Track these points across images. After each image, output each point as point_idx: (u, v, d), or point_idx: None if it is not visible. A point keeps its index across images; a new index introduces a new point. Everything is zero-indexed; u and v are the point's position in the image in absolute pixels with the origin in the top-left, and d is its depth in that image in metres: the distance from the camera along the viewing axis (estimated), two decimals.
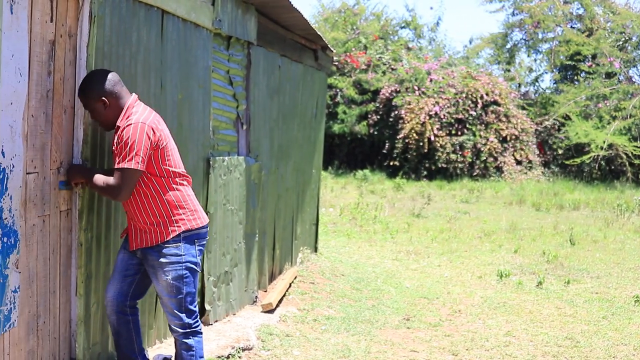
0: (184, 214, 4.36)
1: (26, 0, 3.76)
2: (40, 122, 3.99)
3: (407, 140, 23.08)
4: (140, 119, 4.15)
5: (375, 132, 24.61)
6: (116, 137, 4.18)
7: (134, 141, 4.08)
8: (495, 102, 23.33)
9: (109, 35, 4.49)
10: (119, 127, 4.19)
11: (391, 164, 23.76)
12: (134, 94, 4.39)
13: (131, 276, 4.46)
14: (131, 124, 4.11)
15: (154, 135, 4.17)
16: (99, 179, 4.17)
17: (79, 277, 4.40)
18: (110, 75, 4.23)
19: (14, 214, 3.79)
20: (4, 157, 3.65)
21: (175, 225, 4.33)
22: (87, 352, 4.51)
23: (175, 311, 4.39)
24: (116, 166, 4.12)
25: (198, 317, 4.53)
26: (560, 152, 24.44)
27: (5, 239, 3.72)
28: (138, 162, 4.10)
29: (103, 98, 4.17)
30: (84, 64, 4.31)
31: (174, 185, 4.34)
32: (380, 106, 24.54)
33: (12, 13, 3.63)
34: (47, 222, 4.15)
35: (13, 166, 3.74)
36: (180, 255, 4.33)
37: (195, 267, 4.43)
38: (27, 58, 3.82)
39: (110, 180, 4.13)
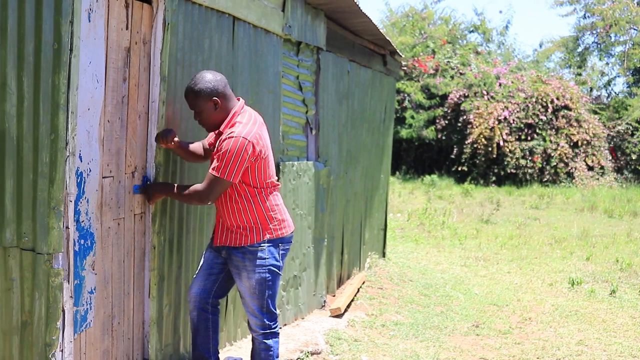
0: (271, 223, 4.43)
1: (103, 8, 3.85)
2: (115, 127, 4.08)
3: (475, 146, 22.84)
4: (242, 133, 4.18)
5: (443, 137, 24.42)
6: (217, 142, 4.27)
7: (232, 154, 4.13)
8: (566, 107, 22.91)
9: (182, 42, 4.57)
10: (221, 133, 4.29)
11: (459, 169, 23.54)
12: (241, 99, 4.46)
13: (215, 275, 4.55)
14: (233, 136, 4.16)
15: (254, 150, 4.21)
16: (182, 188, 4.31)
17: (152, 280, 4.48)
18: (220, 77, 4.32)
19: (90, 217, 3.88)
20: (81, 161, 3.75)
21: (262, 233, 4.40)
22: (159, 353, 4.59)
23: (257, 312, 4.46)
24: (210, 171, 4.21)
25: (277, 318, 4.58)
26: (633, 157, 23.82)
27: (82, 241, 3.81)
28: (231, 175, 4.17)
29: (215, 98, 4.25)
30: (158, 70, 4.39)
31: (265, 196, 4.41)
32: (449, 111, 24.35)
33: (89, 21, 3.73)
34: (122, 225, 4.24)
35: (90, 170, 3.84)
36: (265, 258, 4.39)
37: (278, 271, 4.48)
38: (104, 65, 3.91)
39: (198, 186, 4.26)
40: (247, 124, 4.25)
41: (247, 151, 4.17)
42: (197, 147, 4.62)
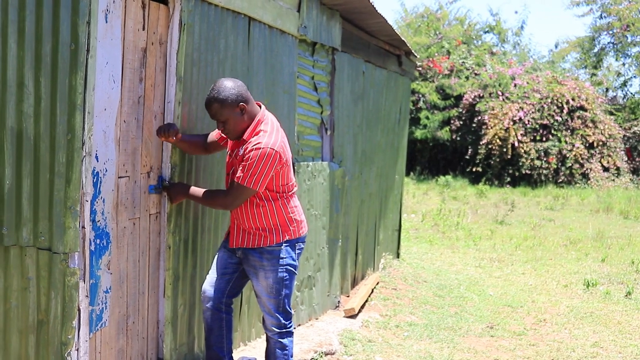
0: (291, 225, 4.45)
1: (120, 9, 3.87)
2: (131, 127, 4.10)
3: (490, 146, 22.77)
4: (270, 143, 4.17)
5: (458, 138, 24.37)
6: (242, 150, 4.25)
7: (259, 164, 4.14)
8: (582, 108, 22.80)
9: (198, 43, 4.58)
10: (245, 141, 4.26)
11: (474, 170, 23.48)
12: (262, 105, 4.45)
13: (229, 274, 4.55)
14: (261, 147, 4.14)
15: (280, 160, 4.23)
16: (205, 192, 4.36)
17: (167, 279, 4.49)
18: (240, 82, 4.31)
19: (106, 217, 3.90)
20: (97, 161, 3.77)
21: (282, 234, 4.41)
22: (174, 352, 4.60)
23: (273, 311, 4.46)
24: (236, 180, 4.21)
25: (292, 318, 4.59)
26: None
27: (98, 241, 3.83)
28: (257, 184, 4.19)
29: (242, 103, 4.23)
30: (174, 70, 4.40)
31: (286, 200, 4.43)
32: (463, 111, 24.29)
33: (106, 22, 3.74)
34: (137, 225, 4.26)
35: (106, 170, 3.86)
36: (283, 258, 4.40)
37: (294, 270, 4.50)
38: (120, 65, 3.93)
39: (223, 192, 4.35)
40: (272, 133, 4.24)
41: (275, 161, 4.18)
42: (199, 140, 4.56)
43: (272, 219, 4.38)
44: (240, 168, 4.19)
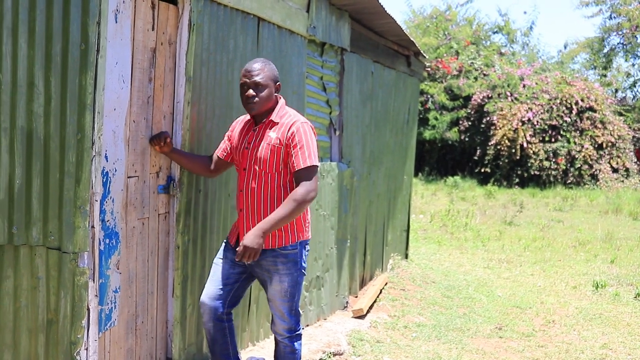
0: (304, 225, 4.32)
1: (129, 9, 3.88)
2: (141, 127, 4.11)
3: (498, 147, 22.73)
4: (302, 119, 4.19)
5: (467, 139, 24.33)
6: (276, 133, 4.13)
7: (308, 139, 4.11)
8: (591, 108, 22.73)
9: (207, 43, 4.58)
10: (274, 123, 4.17)
11: (482, 170, 23.44)
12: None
13: (230, 285, 4.34)
14: (303, 122, 4.16)
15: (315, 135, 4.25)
16: (283, 208, 4.02)
17: (175, 279, 4.50)
18: None
19: (115, 217, 3.91)
20: (107, 161, 3.78)
21: (296, 234, 4.26)
22: (182, 352, 4.61)
23: (286, 315, 4.34)
24: (303, 165, 4.06)
25: (301, 320, 4.54)
26: None
27: (107, 241, 3.84)
28: (317, 159, 4.15)
29: (279, 83, 4.26)
30: (183, 71, 4.41)
31: None
32: (472, 112, 24.25)
33: (116, 22, 3.75)
34: (146, 225, 4.26)
35: (115, 170, 3.87)
36: (297, 261, 4.26)
37: (305, 272, 4.42)
38: (130, 65, 3.94)
39: (297, 193, 4.02)
40: (297, 113, 4.28)
41: (314, 135, 4.20)
42: (202, 159, 4.47)
43: None
44: (297, 151, 4.07)
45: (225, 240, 4.45)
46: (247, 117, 4.41)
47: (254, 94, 4.12)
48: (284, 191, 4.16)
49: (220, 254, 4.42)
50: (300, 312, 4.47)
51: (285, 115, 4.21)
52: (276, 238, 4.20)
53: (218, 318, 4.35)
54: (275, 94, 4.24)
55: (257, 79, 4.11)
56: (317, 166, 4.11)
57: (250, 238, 3.98)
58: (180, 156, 4.37)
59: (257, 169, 4.16)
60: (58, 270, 3.56)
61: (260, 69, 4.13)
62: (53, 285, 3.58)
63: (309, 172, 4.08)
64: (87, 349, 3.66)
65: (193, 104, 4.48)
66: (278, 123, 4.17)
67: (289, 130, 4.11)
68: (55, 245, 3.54)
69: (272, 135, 4.15)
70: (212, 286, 4.35)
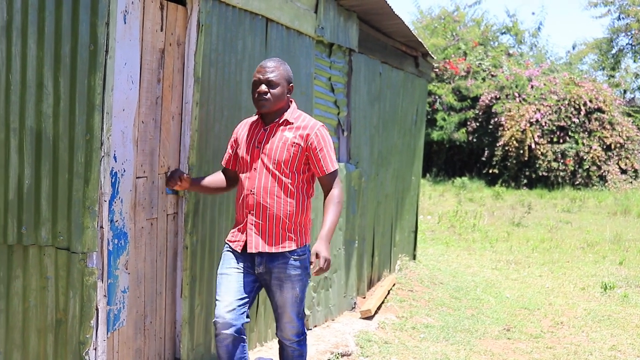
0: (309, 226, 4.24)
1: (138, 10, 3.89)
2: (149, 128, 4.11)
3: (506, 148, 22.69)
4: (320, 122, 4.19)
5: (474, 140, 24.29)
6: (292, 133, 4.06)
7: (330, 143, 4.14)
8: (599, 109, 22.67)
9: (216, 44, 4.59)
10: (289, 122, 4.09)
11: (490, 171, 23.40)
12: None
13: (248, 294, 4.12)
14: (321, 125, 4.16)
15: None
16: (330, 215, 4.06)
17: (184, 279, 4.50)
18: None
19: (124, 217, 3.92)
20: (115, 161, 3.78)
21: (305, 237, 4.17)
22: (190, 352, 4.61)
23: (295, 319, 4.20)
24: (332, 168, 4.11)
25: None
26: None
27: (115, 241, 3.85)
28: (336, 161, 4.19)
29: (292, 84, 4.18)
30: (192, 71, 4.42)
31: (310, 198, 4.23)
32: (480, 113, 24.21)
33: (125, 23, 3.76)
34: (155, 225, 4.27)
35: (124, 170, 3.88)
36: (307, 266, 4.14)
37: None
38: (139, 66, 3.95)
39: (333, 197, 4.08)
40: (310, 117, 4.23)
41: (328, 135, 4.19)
42: (217, 177, 4.37)
43: (302, 217, 4.12)
44: (324, 155, 4.08)
45: (228, 249, 4.20)
46: (253, 118, 4.25)
47: (266, 90, 4.02)
48: (297, 192, 4.07)
49: (228, 263, 4.16)
50: (304, 313, 4.36)
51: (300, 118, 4.14)
52: (286, 241, 4.07)
53: (239, 331, 4.04)
54: (288, 95, 4.14)
55: (271, 76, 4.03)
56: (337, 169, 4.16)
57: (324, 248, 3.94)
58: (200, 187, 4.32)
59: (271, 168, 4.03)
60: (67, 270, 3.57)
61: (275, 67, 4.06)
62: (62, 285, 3.59)
63: (335, 174, 4.13)
64: (95, 349, 3.67)
65: (201, 104, 4.48)
66: (293, 123, 4.10)
67: (309, 134, 4.06)
68: (64, 245, 3.55)
69: (289, 135, 4.06)
70: (231, 298, 4.05)
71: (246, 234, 4.10)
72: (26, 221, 3.56)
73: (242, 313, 4.05)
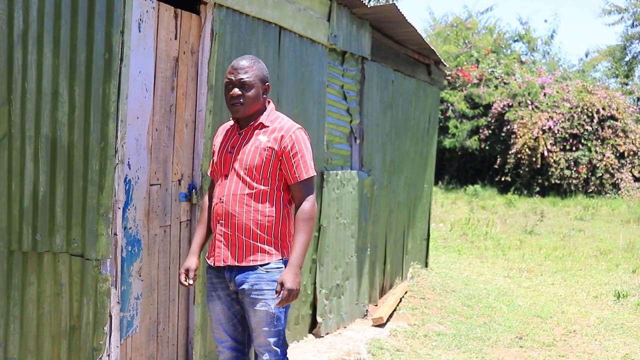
0: (289, 239, 3.78)
1: (153, 19, 3.92)
2: (163, 135, 4.14)
3: (519, 156, 22.64)
4: (298, 125, 3.79)
5: (487, 147, 24.24)
6: (266, 137, 3.68)
7: (307, 148, 3.74)
8: (613, 117, 22.59)
9: (229, 52, 4.61)
10: (264, 125, 3.71)
11: (502, 179, 23.34)
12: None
13: (237, 321, 3.85)
14: (299, 127, 3.75)
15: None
16: (299, 234, 3.62)
17: (197, 286, 4.51)
18: None
19: (138, 224, 3.94)
20: (129, 169, 3.81)
21: (281, 250, 3.73)
22: (203, 359, 4.62)
23: (273, 345, 3.70)
24: (306, 176, 3.68)
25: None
26: None
27: (129, 248, 3.87)
28: (313, 168, 3.75)
29: (268, 84, 3.79)
30: (205, 79, 4.44)
31: (291, 209, 3.80)
32: (492, 121, 24.16)
33: (139, 31, 3.79)
34: (168, 232, 4.29)
35: (138, 178, 3.90)
36: None
37: None
38: (153, 74, 3.98)
39: (303, 212, 3.64)
40: (289, 119, 3.84)
41: (309, 140, 3.81)
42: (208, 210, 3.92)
43: (281, 228, 3.71)
44: (298, 160, 3.66)
45: (207, 265, 3.86)
46: (230, 123, 3.90)
47: (240, 93, 3.64)
48: (269, 201, 3.66)
49: (209, 291, 3.86)
50: (286, 341, 3.86)
51: (277, 120, 3.76)
52: (258, 254, 3.67)
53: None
54: (264, 96, 3.77)
55: (244, 77, 3.65)
56: (314, 176, 3.74)
57: (291, 279, 3.52)
58: (205, 231, 3.92)
59: (242, 175, 3.66)
60: (81, 277, 3.59)
61: (249, 66, 3.66)
62: (76, 292, 3.62)
63: (310, 184, 3.71)
64: (109, 355, 3.69)
65: (215, 112, 4.51)
66: (269, 126, 3.72)
67: (284, 136, 3.67)
68: (79, 252, 3.58)
69: (262, 139, 3.68)
70: (221, 330, 3.85)
71: (215, 245, 3.76)
72: (41, 228, 3.59)
73: (242, 342, 3.87)
